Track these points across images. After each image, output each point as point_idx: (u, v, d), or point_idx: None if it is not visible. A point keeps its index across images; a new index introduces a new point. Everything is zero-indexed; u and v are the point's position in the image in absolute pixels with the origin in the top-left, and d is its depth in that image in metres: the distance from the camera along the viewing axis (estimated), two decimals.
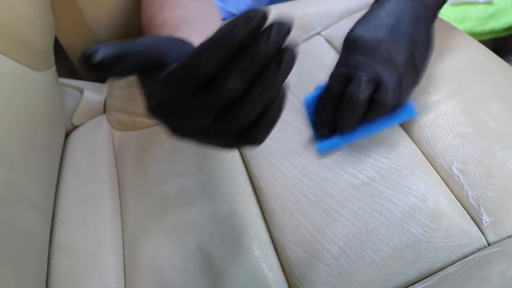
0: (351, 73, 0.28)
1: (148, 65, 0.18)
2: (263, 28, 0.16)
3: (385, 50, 0.27)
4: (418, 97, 0.36)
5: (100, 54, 0.16)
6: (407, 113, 0.32)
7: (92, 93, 0.48)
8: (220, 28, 0.16)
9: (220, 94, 0.16)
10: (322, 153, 0.34)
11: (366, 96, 0.28)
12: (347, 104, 0.29)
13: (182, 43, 0.20)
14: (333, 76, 0.30)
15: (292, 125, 0.39)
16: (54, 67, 0.42)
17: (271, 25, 0.16)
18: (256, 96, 0.17)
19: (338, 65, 0.30)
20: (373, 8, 0.30)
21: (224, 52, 0.16)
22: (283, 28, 0.16)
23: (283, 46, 0.16)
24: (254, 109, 0.17)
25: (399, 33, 0.28)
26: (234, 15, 0.62)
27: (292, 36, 0.49)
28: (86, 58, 0.16)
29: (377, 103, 0.28)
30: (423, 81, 0.36)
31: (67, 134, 0.47)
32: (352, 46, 0.29)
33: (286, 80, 0.17)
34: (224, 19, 0.52)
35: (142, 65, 0.18)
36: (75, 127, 0.48)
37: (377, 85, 0.28)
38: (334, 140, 0.33)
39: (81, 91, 0.48)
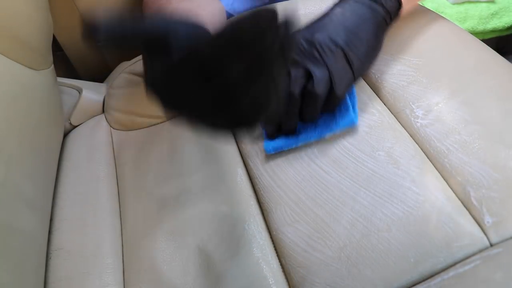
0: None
1: (152, 45, 0.18)
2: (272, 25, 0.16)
3: (315, 50, 0.31)
4: (419, 96, 0.35)
5: (104, 32, 0.16)
6: (349, 121, 0.34)
7: (90, 92, 0.48)
8: (229, 25, 0.16)
9: (221, 87, 0.17)
10: (269, 153, 0.37)
11: (298, 90, 0.32)
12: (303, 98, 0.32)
13: (192, 26, 0.20)
14: None
15: None
16: (52, 66, 0.42)
17: (278, 25, 0.16)
18: (259, 88, 0.18)
19: None
20: (324, 13, 0.34)
21: (231, 51, 0.16)
22: (291, 28, 0.16)
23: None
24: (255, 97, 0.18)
25: (335, 35, 0.31)
26: (228, 13, 0.62)
27: None
28: (89, 30, 0.16)
29: (310, 94, 0.32)
30: (424, 80, 0.36)
31: (66, 134, 0.47)
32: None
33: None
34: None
35: (146, 44, 0.18)
36: (74, 126, 0.48)
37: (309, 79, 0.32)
38: (279, 143, 0.36)
39: (79, 90, 0.48)
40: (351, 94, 0.36)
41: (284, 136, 0.36)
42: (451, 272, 0.27)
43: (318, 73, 0.31)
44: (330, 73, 0.31)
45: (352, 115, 0.34)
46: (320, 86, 0.31)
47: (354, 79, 0.33)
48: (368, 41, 0.32)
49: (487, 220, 0.29)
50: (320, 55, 0.31)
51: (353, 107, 0.35)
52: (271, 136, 0.36)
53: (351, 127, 0.35)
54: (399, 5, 0.35)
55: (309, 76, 0.31)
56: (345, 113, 0.35)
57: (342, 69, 0.31)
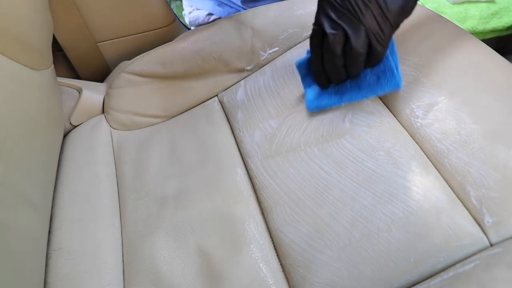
0: (322, 28, 0.32)
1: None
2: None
3: (349, 6, 0.30)
4: (419, 96, 0.35)
5: None
6: (394, 85, 0.34)
7: (90, 92, 0.48)
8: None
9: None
10: (311, 111, 0.38)
11: (339, 48, 0.32)
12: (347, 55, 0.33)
13: None
14: (311, 35, 0.34)
15: (293, 126, 0.39)
16: (52, 66, 0.42)
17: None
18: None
19: (315, 23, 0.34)
20: None
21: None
22: None
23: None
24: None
25: None
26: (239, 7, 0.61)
27: (292, 34, 0.49)
28: None
29: (350, 52, 0.32)
30: (424, 79, 0.36)
31: (66, 134, 0.47)
32: (320, 4, 0.32)
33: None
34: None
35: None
36: (74, 126, 0.48)
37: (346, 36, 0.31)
38: (322, 102, 0.37)
39: (79, 90, 0.48)
40: (393, 54, 0.35)
41: (328, 95, 0.37)
42: (451, 272, 0.27)
43: (355, 32, 0.30)
44: (366, 30, 0.30)
45: (397, 79, 0.34)
46: (358, 45, 0.31)
47: (393, 28, 0.31)
48: None
49: (487, 220, 0.29)
50: (354, 10, 0.30)
51: (397, 69, 0.34)
52: (323, 88, 0.37)
53: (394, 91, 0.35)
54: None
55: (347, 34, 0.31)
56: (390, 76, 0.34)
57: (378, 24, 0.30)
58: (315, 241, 0.31)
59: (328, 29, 0.31)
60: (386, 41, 0.32)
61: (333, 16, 0.31)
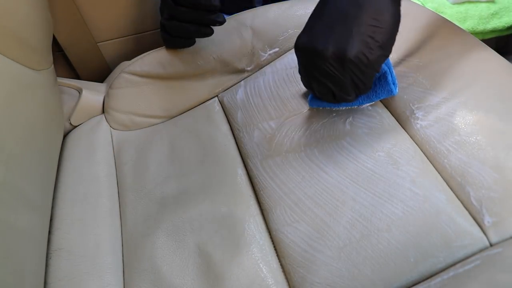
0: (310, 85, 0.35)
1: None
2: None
3: (329, 69, 0.31)
4: (419, 97, 0.35)
5: None
6: (387, 93, 0.35)
7: (90, 92, 0.48)
8: None
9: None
10: (311, 107, 0.40)
11: (330, 96, 0.34)
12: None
13: None
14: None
15: (293, 128, 0.39)
16: (52, 66, 0.42)
17: None
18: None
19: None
20: (317, 8, 0.32)
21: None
22: None
23: None
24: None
25: (343, 43, 0.29)
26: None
27: (292, 35, 0.49)
28: None
29: (337, 97, 0.34)
30: (424, 81, 0.36)
31: (66, 134, 0.47)
32: (300, 57, 0.33)
33: None
34: None
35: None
36: (74, 126, 0.48)
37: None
38: (323, 102, 0.38)
39: (79, 90, 0.48)
40: (388, 63, 0.35)
41: None
42: (451, 272, 0.27)
43: (338, 88, 0.32)
44: (349, 84, 0.31)
45: (390, 86, 0.35)
46: (344, 95, 0.32)
47: (375, 72, 0.32)
48: (377, 19, 0.29)
49: (487, 220, 0.29)
50: (335, 74, 0.30)
51: (391, 74, 0.35)
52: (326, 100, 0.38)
53: (389, 97, 0.37)
54: None
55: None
56: (384, 84, 0.35)
57: (358, 78, 0.31)
58: (315, 241, 0.31)
59: (316, 88, 0.34)
60: (369, 83, 0.32)
61: (318, 76, 0.32)
